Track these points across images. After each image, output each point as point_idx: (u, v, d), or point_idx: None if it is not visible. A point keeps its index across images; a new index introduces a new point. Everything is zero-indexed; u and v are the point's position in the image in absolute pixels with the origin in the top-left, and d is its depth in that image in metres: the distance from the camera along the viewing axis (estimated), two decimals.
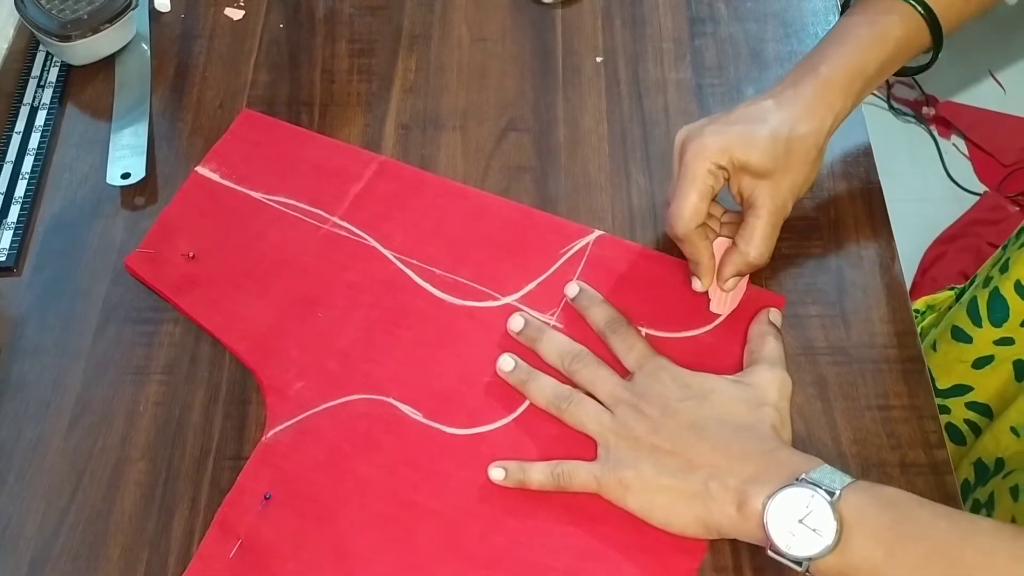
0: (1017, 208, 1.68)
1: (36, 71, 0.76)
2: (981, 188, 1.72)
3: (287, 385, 0.60)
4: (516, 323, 0.61)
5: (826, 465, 0.50)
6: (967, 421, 0.79)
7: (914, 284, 1.58)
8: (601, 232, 0.66)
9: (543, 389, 0.58)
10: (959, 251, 1.61)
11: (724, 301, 0.62)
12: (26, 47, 0.77)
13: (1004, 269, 0.72)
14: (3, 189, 0.69)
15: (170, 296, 0.64)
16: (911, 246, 1.61)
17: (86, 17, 0.72)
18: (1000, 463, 0.74)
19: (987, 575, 0.46)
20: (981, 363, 0.75)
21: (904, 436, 0.58)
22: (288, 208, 0.68)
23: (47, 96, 0.74)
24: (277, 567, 0.54)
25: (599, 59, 0.75)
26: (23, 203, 0.69)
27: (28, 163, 0.71)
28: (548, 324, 0.62)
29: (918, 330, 0.62)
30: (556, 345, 0.60)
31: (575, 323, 0.62)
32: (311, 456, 0.58)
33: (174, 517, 0.57)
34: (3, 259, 0.66)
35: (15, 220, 0.68)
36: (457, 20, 0.78)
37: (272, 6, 0.80)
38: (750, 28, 0.77)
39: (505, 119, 0.72)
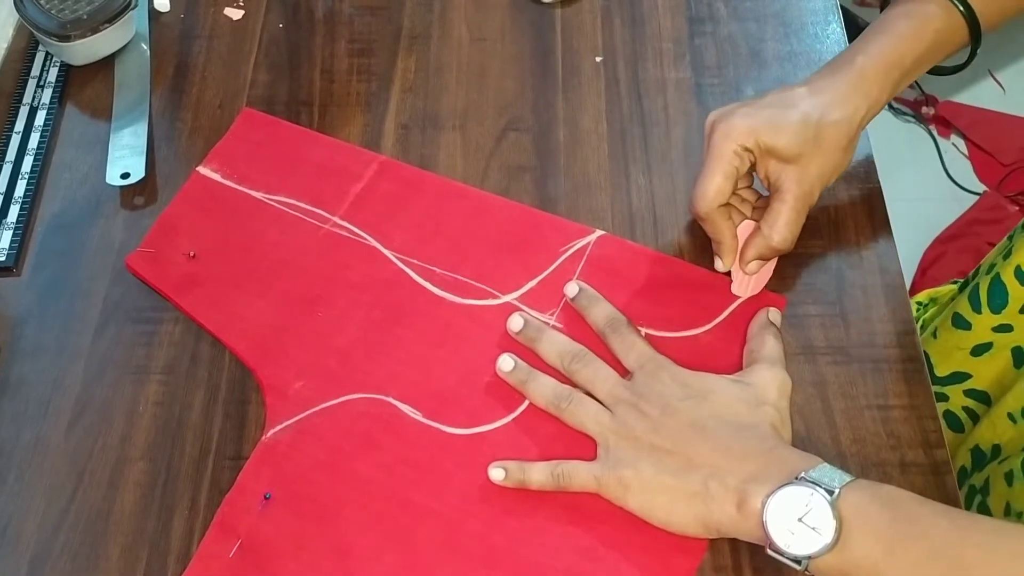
0: (1016, 208, 1.68)
1: (36, 71, 0.76)
2: (981, 188, 1.72)
3: (287, 384, 0.60)
4: (516, 323, 0.61)
5: (826, 464, 0.50)
6: (965, 408, 0.79)
7: (914, 284, 1.58)
8: (602, 232, 0.66)
9: (543, 389, 0.58)
10: (959, 251, 1.61)
11: (746, 284, 0.62)
12: (26, 47, 0.77)
13: (1007, 256, 0.72)
14: (3, 189, 0.69)
15: (171, 295, 0.64)
16: (911, 246, 1.61)
17: (85, 17, 0.72)
18: (997, 449, 0.73)
19: (987, 573, 0.46)
20: (980, 350, 0.75)
21: (904, 436, 0.58)
22: (289, 208, 0.68)
23: (47, 96, 0.74)
24: (277, 567, 0.54)
25: (598, 59, 0.75)
26: (23, 203, 0.69)
27: (28, 163, 0.71)
28: (548, 324, 0.62)
29: (919, 322, 0.62)
30: (556, 345, 0.60)
31: (575, 323, 0.62)
32: (311, 456, 0.58)
33: (174, 517, 0.57)
34: (3, 259, 0.66)
35: (15, 220, 0.68)
36: (457, 20, 0.78)
37: (272, 6, 0.80)
38: (749, 28, 0.77)
39: (505, 119, 0.72)
